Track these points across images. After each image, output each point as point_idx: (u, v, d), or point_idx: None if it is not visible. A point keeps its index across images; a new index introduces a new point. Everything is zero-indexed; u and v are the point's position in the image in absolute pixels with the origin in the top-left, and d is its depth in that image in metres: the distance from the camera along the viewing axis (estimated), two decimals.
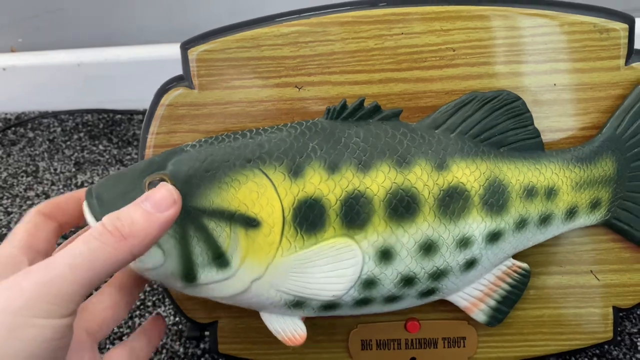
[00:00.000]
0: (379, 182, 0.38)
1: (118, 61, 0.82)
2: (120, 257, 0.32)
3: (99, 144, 0.79)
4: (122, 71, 0.83)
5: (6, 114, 0.85)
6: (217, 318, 0.47)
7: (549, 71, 0.43)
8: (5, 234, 0.66)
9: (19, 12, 0.84)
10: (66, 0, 0.83)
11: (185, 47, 0.43)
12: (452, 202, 0.39)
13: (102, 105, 0.84)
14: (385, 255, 0.38)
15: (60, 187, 0.73)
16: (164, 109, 0.43)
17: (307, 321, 0.42)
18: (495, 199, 0.40)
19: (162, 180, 0.36)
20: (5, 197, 0.71)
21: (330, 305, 0.40)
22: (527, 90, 0.43)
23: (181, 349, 0.53)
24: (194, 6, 0.84)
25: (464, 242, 0.40)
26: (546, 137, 0.43)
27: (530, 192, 0.41)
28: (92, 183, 0.73)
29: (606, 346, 0.52)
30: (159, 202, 0.33)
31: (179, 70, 0.44)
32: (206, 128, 0.43)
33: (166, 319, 0.56)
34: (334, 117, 0.40)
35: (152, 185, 0.36)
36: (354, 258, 0.38)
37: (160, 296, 0.58)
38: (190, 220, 0.36)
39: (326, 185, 0.37)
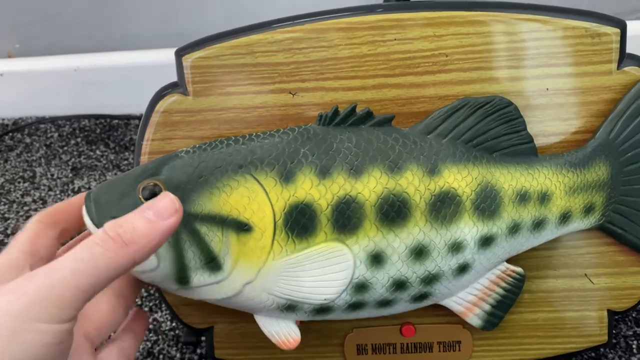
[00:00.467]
0: (370, 187, 0.38)
1: (115, 66, 0.83)
2: (122, 263, 0.32)
3: (96, 149, 0.80)
4: (119, 76, 0.83)
5: (3, 119, 0.85)
6: (213, 323, 0.47)
7: (541, 76, 0.43)
8: (3, 240, 0.66)
9: (16, 19, 0.85)
10: (63, 6, 0.84)
11: (180, 54, 0.43)
12: (444, 207, 0.39)
13: (99, 110, 0.85)
14: (377, 259, 0.39)
15: (57, 192, 0.73)
16: (159, 115, 0.43)
17: (303, 325, 0.43)
18: (487, 204, 0.40)
19: (156, 185, 0.37)
20: (2, 203, 0.71)
21: (323, 309, 0.40)
22: (520, 94, 0.43)
23: (178, 354, 0.53)
24: (190, 11, 0.84)
25: (456, 247, 0.40)
26: (539, 141, 0.43)
27: (523, 197, 0.41)
28: (89, 188, 0.73)
29: (602, 349, 0.52)
30: (161, 210, 0.33)
31: (175, 75, 0.44)
32: (201, 134, 0.44)
33: (163, 325, 0.56)
34: (326, 123, 0.40)
35: (145, 190, 0.37)
36: (345, 262, 0.38)
37: (157, 301, 0.58)
38: (183, 225, 0.37)
39: (317, 191, 0.38)
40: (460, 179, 0.40)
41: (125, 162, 0.77)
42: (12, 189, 0.73)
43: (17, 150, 0.80)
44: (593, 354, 0.52)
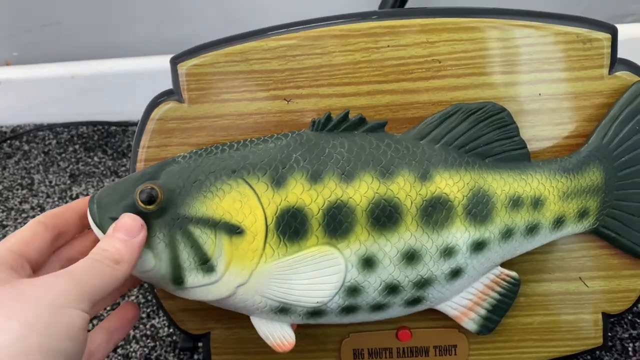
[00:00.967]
0: (361, 192, 0.39)
1: (112, 73, 0.83)
2: (117, 276, 0.36)
3: (94, 155, 0.80)
4: (116, 83, 0.83)
5: (1, 127, 0.85)
6: (209, 329, 0.48)
7: (534, 81, 0.43)
8: None
9: (14, 27, 0.85)
10: (60, 14, 0.84)
11: (175, 61, 0.43)
12: (435, 212, 0.40)
13: (96, 117, 0.85)
14: (368, 263, 0.39)
15: (56, 199, 0.73)
16: (155, 123, 0.44)
17: (299, 330, 0.43)
18: (479, 209, 0.40)
19: (153, 188, 0.38)
20: (0, 210, 0.72)
21: (316, 312, 0.40)
22: (513, 99, 0.43)
23: None
24: (186, 18, 0.84)
25: (448, 252, 0.40)
26: (533, 145, 0.44)
27: (516, 203, 0.41)
28: (87, 195, 0.73)
29: (597, 352, 0.52)
30: (129, 230, 0.37)
31: (171, 82, 0.44)
32: (197, 141, 0.44)
33: (160, 330, 0.56)
34: (319, 129, 0.40)
35: (143, 193, 0.38)
36: (336, 266, 0.39)
37: (155, 307, 0.59)
38: (178, 227, 0.38)
39: (308, 195, 0.38)
40: (452, 184, 0.40)
41: (123, 168, 0.78)
42: (10, 196, 0.74)
43: (16, 158, 0.80)
44: (589, 357, 0.52)
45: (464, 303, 0.44)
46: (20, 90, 0.84)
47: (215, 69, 0.43)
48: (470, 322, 0.44)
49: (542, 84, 0.43)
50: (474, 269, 0.42)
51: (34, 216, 0.69)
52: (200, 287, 0.39)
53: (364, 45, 0.42)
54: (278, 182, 0.39)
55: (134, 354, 0.55)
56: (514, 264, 0.44)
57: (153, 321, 0.57)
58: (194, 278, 0.39)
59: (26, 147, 0.82)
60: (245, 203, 0.38)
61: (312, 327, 0.46)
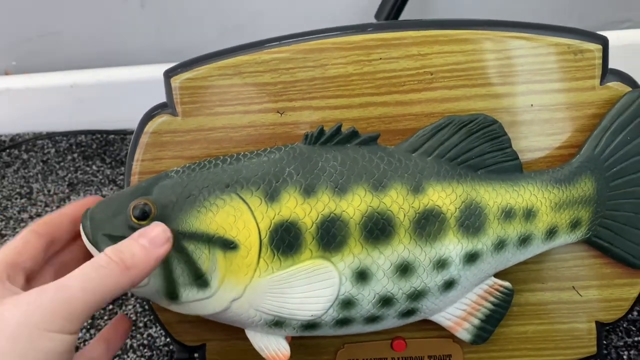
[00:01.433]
0: (355, 205, 0.39)
1: (110, 82, 0.83)
2: (123, 284, 0.35)
3: (93, 164, 0.80)
4: (115, 91, 0.84)
5: (0, 135, 0.86)
6: (205, 341, 0.48)
7: (526, 92, 0.43)
8: None
9: (13, 37, 0.86)
10: (59, 24, 0.84)
11: (169, 74, 0.44)
12: (428, 225, 0.40)
13: (95, 125, 0.85)
14: (362, 276, 0.39)
15: (54, 208, 0.73)
16: (148, 136, 0.44)
17: (294, 341, 0.43)
18: (471, 221, 0.41)
19: (146, 204, 0.38)
20: None
21: (311, 325, 0.41)
22: (506, 111, 0.43)
23: None
24: (184, 28, 0.85)
25: (441, 264, 0.40)
26: (525, 156, 0.44)
27: (508, 214, 0.41)
28: None
29: None
30: (154, 239, 0.36)
31: None
32: (190, 154, 0.44)
33: (157, 340, 0.57)
34: (312, 142, 0.41)
35: (136, 209, 0.38)
36: (330, 279, 0.39)
37: (152, 317, 0.59)
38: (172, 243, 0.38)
39: (302, 209, 0.39)
40: (445, 197, 0.40)
41: (121, 177, 0.78)
42: (9, 205, 0.74)
43: (14, 167, 0.81)
44: None
45: (457, 313, 0.44)
46: (19, 99, 0.85)
47: (209, 82, 0.43)
48: (464, 332, 0.44)
49: (534, 95, 0.43)
50: (467, 280, 0.42)
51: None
52: (195, 301, 0.39)
53: (356, 58, 0.43)
54: (272, 196, 0.39)
55: None
56: (508, 273, 0.44)
57: (150, 330, 0.58)
58: (188, 293, 0.39)
59: (25, 156, 0.82)
60: (239, 217, 0.38)
61: (306, 339, 0.46)
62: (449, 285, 0.41)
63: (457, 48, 0.43)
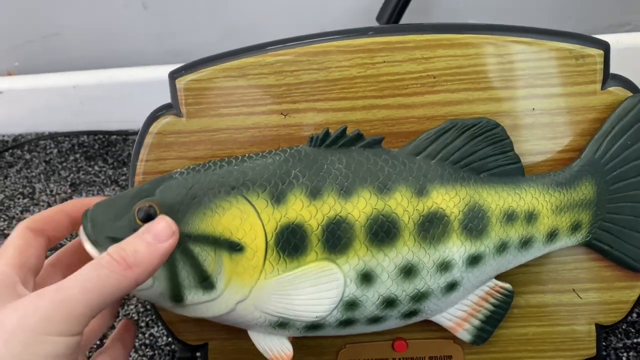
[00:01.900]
0: (360, 208, 0.39)
1: (113, 83, 0.84)
2: (126, 284, 0.34)
3: (95, 164, 0.80)
4: (117, 92, 0.84)
5: (3, 136, 0.86)
6: (207, 340, 0.48)
7: (528, 96, 0.44)
8: None
9: (16, 38, 0.86)
10: (61, 25, 0.85)
11: (173, 76, 0.44)
12: (432, 227, 0.40)
13: (97, 126, 0.86)
14: (367, 278, 0.40)
15: None
16: (153, 136, 0.44)
17: (296, 342, 0.43)
18: (474, 223, 0.41)
19: (151, 206, 0.38)
20: (1, 219, 0.72)
21: (314, 326, 0.41)
22: (507, 114, 0.44)
23: None
24: (187, 29, 0.85)
25: (445, 266, 0.41)
26: (526, 160, 0.44)
27: (510, 217, 0.42)
28: None
29: None
30: (159, 233, 0.36)
31: None
32: (194, 155, 0.44)
33: (159, 339, 0.57)
34: (317, 144, 0.41)
35: (141, 211, 0.38)
36: (335, 281, 0.39)
37: (154, 317, 0.59)
38: (177, 245, 0.37)
39: (308, 211, 0.39)
40: (448, 200, 0.41)
41: (124, 177, 0.78)
42: (11, 205, 0.74)
43: (17, 167, 0.81)
44: None
45: (458, 314, 0.44)
46: (22, 100, 0.85)
47: (213, 83, 0.43)
48: (464, 333, 0.45)
49: (535, 99, 0.44)
50: (469, 282, 0.42)
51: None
52: (200, 304, 0.39)
53: (360, 60, 0.43)
54: (278, 198, 0.39)
55: None
56: (508, 275, 0.45)
57: (152, 330, 0.58)
58: (193, 295, 0.38)
59: (28, 156, 0.82)
60: (245, 220, 0.38)
61: (308, 339, 0.47)
62: (451, 287, 0.42)
63: (459, 52, 0.43)
